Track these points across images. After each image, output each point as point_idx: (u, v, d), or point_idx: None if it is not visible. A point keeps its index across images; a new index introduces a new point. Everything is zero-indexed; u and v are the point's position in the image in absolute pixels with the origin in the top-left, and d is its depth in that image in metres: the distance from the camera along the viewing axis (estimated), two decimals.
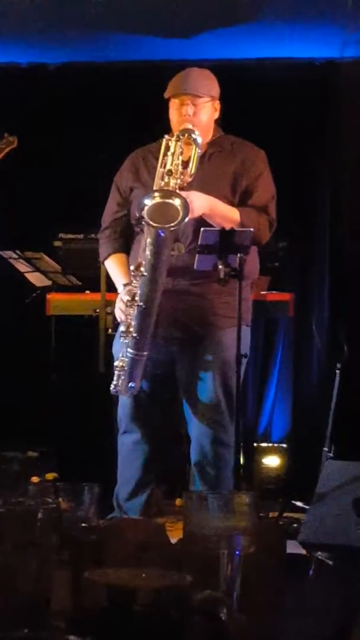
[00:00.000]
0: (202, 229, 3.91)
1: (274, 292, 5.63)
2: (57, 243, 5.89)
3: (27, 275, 6.06)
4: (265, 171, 4.24)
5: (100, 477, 4.25)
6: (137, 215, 3.84)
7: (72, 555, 1.82)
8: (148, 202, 3.81)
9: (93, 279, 5.43)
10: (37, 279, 6.05)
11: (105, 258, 4.29)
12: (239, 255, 3.87)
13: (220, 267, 3.87)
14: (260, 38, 6.21)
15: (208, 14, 5.86)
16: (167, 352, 4.14)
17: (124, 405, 4.24)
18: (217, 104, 4.20)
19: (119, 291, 4.14)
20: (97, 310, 5.38)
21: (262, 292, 5.55)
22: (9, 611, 1.62)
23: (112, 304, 4.53)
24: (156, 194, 3.84)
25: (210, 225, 3.99)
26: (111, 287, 4.61)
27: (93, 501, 2.12)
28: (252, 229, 3.96)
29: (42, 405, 5.94)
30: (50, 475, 5.23)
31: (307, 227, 6.48)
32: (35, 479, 4.56)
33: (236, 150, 4.23)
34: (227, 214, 4.06)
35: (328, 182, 6.51)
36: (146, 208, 3.80)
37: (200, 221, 4.00)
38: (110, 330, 5.11)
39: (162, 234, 3.82)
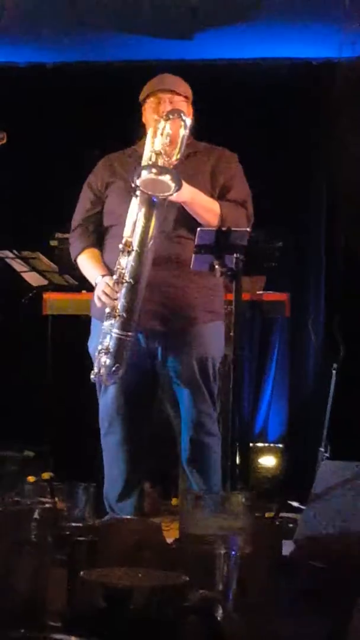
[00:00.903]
0: (198, 228, 3.92)
1: (270, 292, 5.62)
2: (54, 242, 5.88)
3: (23, 274, 6.05)
4: (239, 171, 4.30)
5: (96, 477, 4.28)
6: (132, 184, 3.86)
7: (68, 555, 1.83)
8: (143, 173, 3.85)
9: None
10: (33, 279, 6.05)
11: (78, 254, 4.28)
12: (235, 255, 3.88)
13: (216, 267, 3.87)
14: (257, 38, 6.21)
15: (206, 15, 5.87)
16: (146, 348, 4.15)
17: (105, 406, 4.24)
18: (191, 109, 4.23)
19: (95, 282, 4.12)
20: None
21: (258, 292, 5.55)
22: (5, 611, 1.62)
23: None
24: (153, 170, 3.87)
25: (197, 221, 4.04)
26: None
27: (89, 501, 2.12)
28: (248, 229, 3.98)
29: (38, 404, 5.93)
30: (46, 475, 5.21)
31: (303, 227, 6.48)
32: (31, 479, 4.54)
33: (210, 151, 4.28)
34: (207, 205, 4.10)
35: (324, 181, 6.52)
36: (141, 178, 3.83)
37: (185, 213, 4.05)
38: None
39: (155, 201, 3.85)
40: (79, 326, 5.40)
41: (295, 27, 6.04)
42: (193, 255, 3.93)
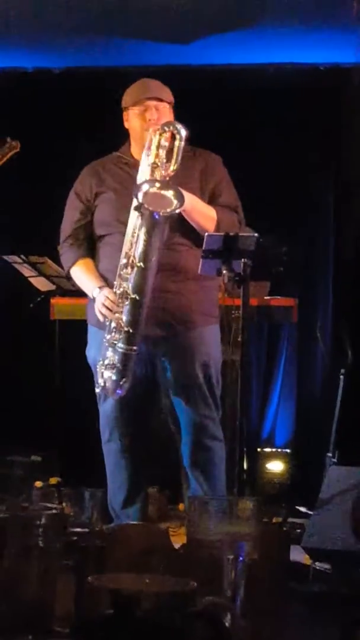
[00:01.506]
0: (206, 234, 3.92)
1: (277, 297, 5.62)
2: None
3: (31, 279, 6.06)
4: (226, 175, 4.29)
5: (103, 482, 4.28)
6: (136, 201, 3.85)
7: (76, 561, 1.82)
8: (145, 189, 3.83)
9: None
10: (41, 284, 6.06)
11: (71, 265, 4.26)
12: (243, 260, 3.88)
13: (224, 272, 3.87)
14: (263, 43, 6.21)
15: (211, 20, 5.87)
16: (146, 353, 4.14)
17: (105, 414, 4.24)
18: (172, 113, 4.21)
19: (92, 295, 4.11)
20: None
21: (266, 298, 5.55)
22: (13, 616, 1.62)
23: None
24: (156, 184, 3.86)
25: (192, 227, 4.04)
26: None
27: (96, 506, 2.11)
28: (256, 235, 3.97)
29: (45, 409, 5.93)
30: (53, 480, 5.22)
31: (311, 232, 6.48)
32: (38, 484, 4.55)
33: (196, 156, 4.25)
34: (205, 211, 4.11)
35: (332, 186, 6.51)
36: (144, 194, 3.82)
37: (178, 219, 4.04)
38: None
39: (157, 217, 3.84)
40: (86, 331, 5.41)
41: (302, 32, 6.03)
42: (200, 260, 3.93)
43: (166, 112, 4.15)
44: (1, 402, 5.75)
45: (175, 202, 3.84)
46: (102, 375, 4.03)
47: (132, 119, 4.20)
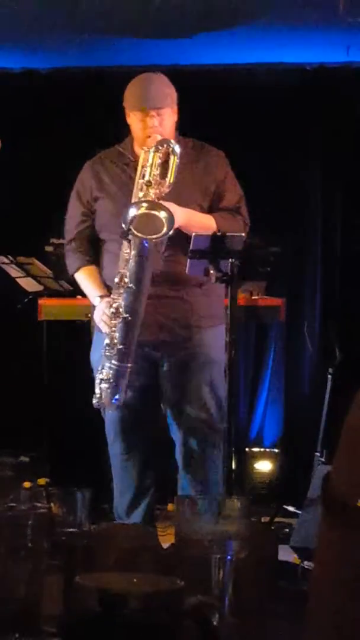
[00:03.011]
0: (193, 234, 3.91)
1: (265, 297, 5.63)
2: (49, 248, 5.88)
3: (18, 280, 6.05)
4: (229, 172, 4.25)
5: (91, 482, 4.26)
6: (125, 227, 3.82)
7: (64, 560, 1.82)
8: (134, 213, 3.81)
9: None
10: (28, 284, 6.04)
11: (76, 270, 4.28)
12: (230, 260, 3.88)
13: (211, 272, 3.87)
14: (251, 44, 6.22)
15: (201, 20, 5.87)
16: (150, 359, 4.14)
17: (110, 416, 4.23)
18: (176, 108, 4.16)
19: (94, 303, 4.13)
20: (89, 315, 5.35)
21: (254, 297, 5.55)
22: (0, 616, 1.62)
23: None
24: (143, 205, 3.84)
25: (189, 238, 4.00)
26: None
27: (85, 506, 2.11)
28: (243, 234, 3.97)
29: (33, 410, 5.93)
30: (42, 481, 5.21)
31: (298, 232, 6.49)
32: (27, 484, 4.54)
33: (197, 154, 4.22)
34: (203, 223, 4.08)
35: (320, 186, 6.52)
36: (133, 219, 3.80)
37: (176, 232, 3.98)
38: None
39: (146, 244, 3.84)
40: (74, 332, 5.41)
41: (289, 32, 6.04)
42: (188, 260, 3.93)
43: (168, 115, 4.10)
44: None
45: (165, 225, 3.80)
46: (99, 387, 4.03)
47: (132, 121, 4.15)
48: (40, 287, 5.98)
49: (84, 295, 5.28)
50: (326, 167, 6.49)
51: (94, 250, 4.25)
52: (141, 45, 6.18)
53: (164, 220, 3.80)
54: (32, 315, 5.77)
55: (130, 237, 3.83)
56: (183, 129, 4.25)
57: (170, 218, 3.81)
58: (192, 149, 4.20)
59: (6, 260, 5.96)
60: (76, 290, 5.56)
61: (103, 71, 6.52)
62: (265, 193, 6.12)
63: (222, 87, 6.29)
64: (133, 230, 3.78)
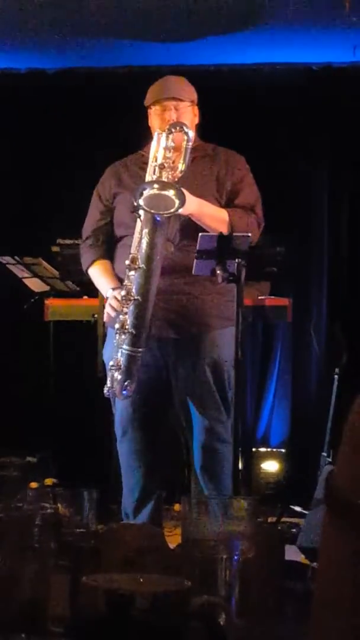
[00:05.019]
0: (200, 234, 3.91)
1: (272, 297, 5.63)
2: (55, 248, 5.88)
3: (25, 280, 6.06)
4: (248, 174, 4.27)
5: (99, 482, 4.28)
6: (135, 203, 3.84)
7: (71, 561, 1.82)
8: (145, 191, 3.82)
9: (91, 284, 5.40)
10: (35, 285, 6.05)
11: (89, 265, 4.29)
12: (237, 260, 3.87)
13: (218, 272, 3.87)
14: (258, 44, 6.22)
15: (207, 21, 5.88)
16: (160, 356, 4.14)
17: (119, 413, 4.23)
18: (197, 110, 4.21)
19: (106, 296, 4.14)
20: (95, 316, 5.37)
21: (261, 297, 5.55)
22: (6, 616, 1.62)
23: None
24: (155, 185, 3.84)
25: (202, 229, 4.01)
26: None
27: (92, 506, 2.11)
28: (250, 234, 3.96)
29: (40, 410, 5.94)
30: (48, 481, 5.22)
31: (305, 232, 6.49)
32: (33, 485, 4.55)
33: (218, 154, 4.25)
34: (215, 215, 4.08)
35: (326, 186, 6.52)
36: (143, 196, 3.81)
37: (188, 221, 4.02)
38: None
39: (158, 219, 3.84)
40: (80, 332, 5.41)
41: (295, 32, 6.05)
42: (195, 261, 3.93)
43: (187, 111, 4.14)
44: None
45: (176, 201, 3.81)
46: (112, 376, 4.02)
47: (152, 118, 4.18)
48: (46, 288, 6.00)
49: (90, 295, 5.30)
50: (333, 166, 6.49)
51: (108, 247, 4.26)
52: (147, 46, 6.19)
53: (174, 198, 3.81)
54: (39, 315, 5.78)
55: (141, 213, 3.83)
56: None
57: (181, 194, 3.81)
58: (212, 150, 4.25)
59: (13, 261, 5.97)
60: (82, 291, 5.57)
61: (109, 72, 6.52)
62: (272, 193, 6.11)
63: (227, 87, 6.29)
64: (143, 206, 3.79)
